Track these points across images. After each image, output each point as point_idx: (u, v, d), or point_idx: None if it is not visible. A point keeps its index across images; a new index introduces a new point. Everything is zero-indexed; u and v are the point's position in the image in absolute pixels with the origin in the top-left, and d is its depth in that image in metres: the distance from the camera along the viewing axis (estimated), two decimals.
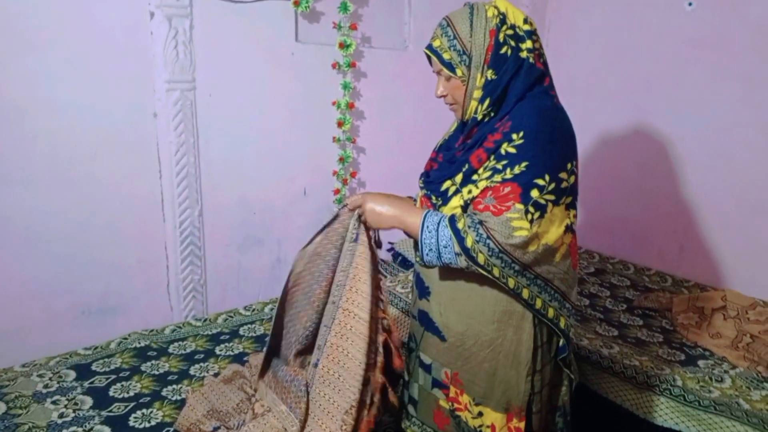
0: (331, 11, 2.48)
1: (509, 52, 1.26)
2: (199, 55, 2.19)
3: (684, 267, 2.82)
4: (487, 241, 1.19)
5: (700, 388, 1.87)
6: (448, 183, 1.32)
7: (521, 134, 1.21)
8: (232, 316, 2.34)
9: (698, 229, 2.79)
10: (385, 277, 2.69)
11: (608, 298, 2.61)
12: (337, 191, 2.66)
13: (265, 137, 2.46)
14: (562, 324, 1.32)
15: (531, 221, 1.19)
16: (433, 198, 1.35)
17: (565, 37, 3.22)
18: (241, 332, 2.23)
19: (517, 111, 1.25)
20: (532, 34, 1.29)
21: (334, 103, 2.57)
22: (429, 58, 1.35)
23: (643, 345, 2.18)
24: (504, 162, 1.21)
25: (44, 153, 1.97)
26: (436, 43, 1.31)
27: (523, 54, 1.27)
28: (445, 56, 1.29)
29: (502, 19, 1.27)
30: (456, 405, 1.40)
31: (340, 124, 2.58)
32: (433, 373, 1.44)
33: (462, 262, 1.23)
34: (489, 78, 1.27)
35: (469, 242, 1.21)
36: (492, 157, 1.24)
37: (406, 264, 2.78)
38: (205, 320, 2.30)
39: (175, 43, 2.10)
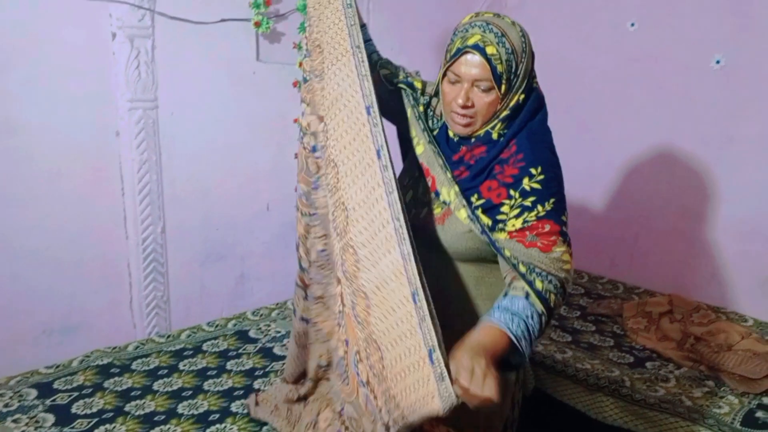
0: (290, 31, 2.55)
1: (535, 81, 1.28)
2: (162, 74, 2.23)
3: (634, 274, 2.96)
4: (551, 277, 1.17)
5: (647, 388, 1.97)
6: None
7: (540, 169, 1.21)
8: (195, 332, 2.36)
9: (647, 238, 2.93)
10: None
11: (563, 305, 2.71)
12: None
13: (227, 154, 2.50)
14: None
15: (570, 254, 1.21)
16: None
17: None
18: (204, 348, 2.25)
19: (524, 141, 1.23)
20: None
21: (295, 121, 2.63)
22: (455, 56, 1.21)
23: (594, 349, 2.28)
24: (532, 198, 1.19)
25: (5, 172, 1.98)
26: (490, 50, 1.18)
27: (536, 81, 1.29)
28: (499, 68, 1.19)
29: (527, 39, 1.24)
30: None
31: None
32: None
33: (543, 318, 1.17)
34: (519, 102, 1.25)
35: (540, 286, 1.16)
36: (516, 194, 1.21)
37: None
38: (169, 336, 2.31)
39: (137, 63, 2.14)
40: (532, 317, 1.14)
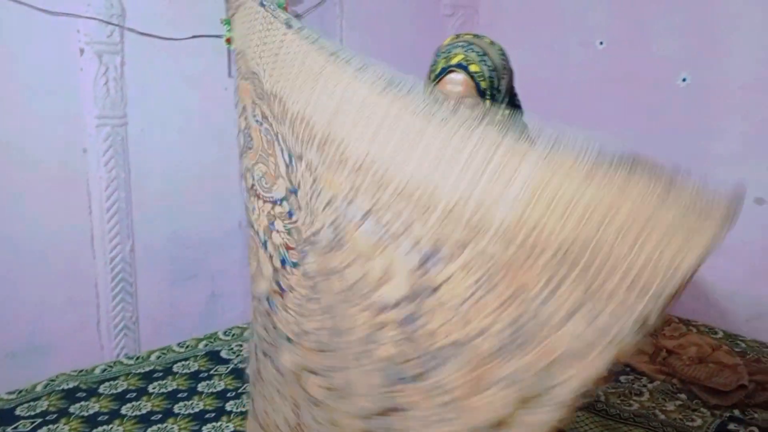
0: None
1: (514, 92, 1.34)
2: (131, 91, 2.20)
3: None
4: None
5: (621, 402, 1.99)
6: None
7: None
8: (165, 353, 2.31)
9: None
10: None
11: None
12: None
13: (198, 171, 2.46)
14: None
15: None
16: None
17: None
18: (174, 369, 2.20)
19: None
20: None
21: None
22: (440, 75, 1.25)
23: None
24: None
25: None
26: (473, 68, 1.23)
27: (516, 96, 1.36)
28: (482, 84, 1.24)
29: (507, 58, 1.29)
30: None
31: None
32: None
33: None
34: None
35: None
36: None
37: None
38: (138, 358, 2.26)
39: (106, 79, 2.11)
40: None
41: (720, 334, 2.51)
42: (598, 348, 0.83)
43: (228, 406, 1.97)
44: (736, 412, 1.92)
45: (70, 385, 2.03)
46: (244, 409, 1.95)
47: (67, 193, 2.12)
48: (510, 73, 1.30)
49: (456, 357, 0.96)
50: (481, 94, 1.24)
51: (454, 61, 1.24)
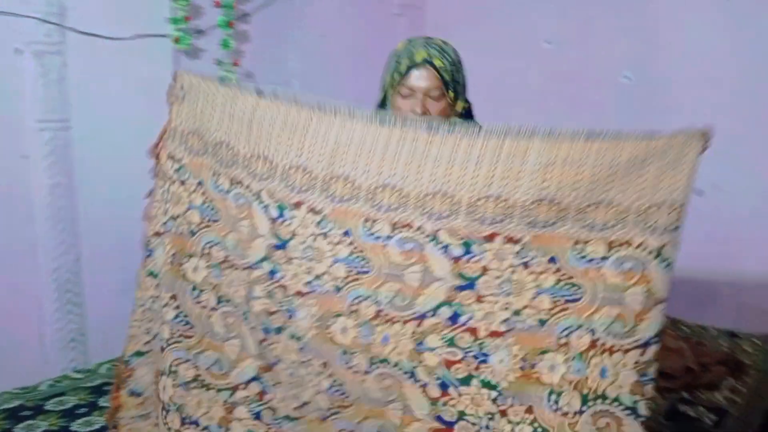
0: (212, 48, 2.48)
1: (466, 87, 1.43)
2: (73, 93, 2.11)
3: None
4: None
5: None
6: None
7: None
8: (117, 365, 2.22)
9: None
10: None
11: None
12: None
13: (144, 176, 2.36)
14: None
15: None
16: None
17: None
18: None
19: None
20: None
21: None
22: (406, 73, 1.33)
23: None
24: None
25: None
26: (437, 63, 1.34)
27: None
28: (446, 77, 1.34)
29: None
30: None
31: None
32: None
33: None
34: (464, 108, 1.42)
35: None
36: None
37: None
38: (87, 372, 2.17)
39: (46, 81, 2.02)
40: None
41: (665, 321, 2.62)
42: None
43: None
44: (685, 394, 2.01)
45: (14, 404, 1.94)
46: None
47: (6, 201, 2.02)
48: (464, 69, 1.42)
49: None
50: (446, 86, 1.35)
51: (419, 59, 1.34)
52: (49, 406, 1.95)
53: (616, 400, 1.06)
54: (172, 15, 2.30)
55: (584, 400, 1.05)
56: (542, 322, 1.08)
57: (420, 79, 1.34)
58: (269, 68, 2.77)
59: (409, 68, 1.34)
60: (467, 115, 1.43)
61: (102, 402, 1.97)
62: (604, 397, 1.06)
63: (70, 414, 1.91)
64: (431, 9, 3.40)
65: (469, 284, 1.11)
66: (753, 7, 2.40)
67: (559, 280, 1.07)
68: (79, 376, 2.14)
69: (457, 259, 1.11)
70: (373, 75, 3.22)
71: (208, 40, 2.48)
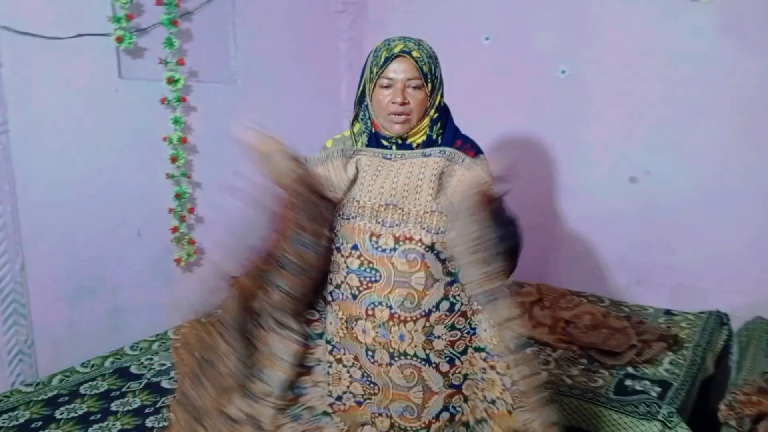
0: (154, 46, 2.42)
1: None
2: (11, 95, 2.03)
3: None
4: None
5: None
6: None
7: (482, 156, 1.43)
8: (68, 376, 2.16)
9: None
10: None
11: None
12: (175, 229, 2.58)
13: (91, 179, 2.31)
14: None
15: None
16: None
17: None
18: (81, 391, 2.06)
19: (463, 136, 1.46)
20: None
21: (165, 139, 2.50)
22: (384, 65, 1.35)
23: None
24: None
25: None
26: (415, 54, 1.36)
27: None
28: (424, 68, 1.36)
29: None
30: None
31: (173, 160, 2.51)
32: None
33: None
34: (442, 102, 1.43)
35: None
36: None
37: None
38: (38, 384, 2.09)
39: None
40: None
41: (607, 302, 2.77)
42: None
43: (148, 423, 1.89)
44: (630, 369, 2.13)
45: None
46: (165, 424, 1.87)
47: None
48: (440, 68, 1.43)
49: None
50: (424, 77, 1.36)
51: (397, 50, 1.36)
52: (1, 422, 1.87)
53: (415, 356, 1.33)
54: (114, 14, 2.24)
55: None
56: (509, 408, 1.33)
57: (399, 69, 1.36)
58: (213, 67, 2.73)
59: (387, 59, 1.36)
60: (445, 111, 1.45)
61: (58, 414, 1.91)
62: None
63: (25, 429, 1.84)
64: (372, 6, 3.43)
65: (455, 279, 1.33)
66: (676, 3, 2.55)
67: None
68: (29, 389, 2.05)
69: (444, 262, 1.32)
70: (316, 71, 3.26)
71: (150, 38, 2.42)
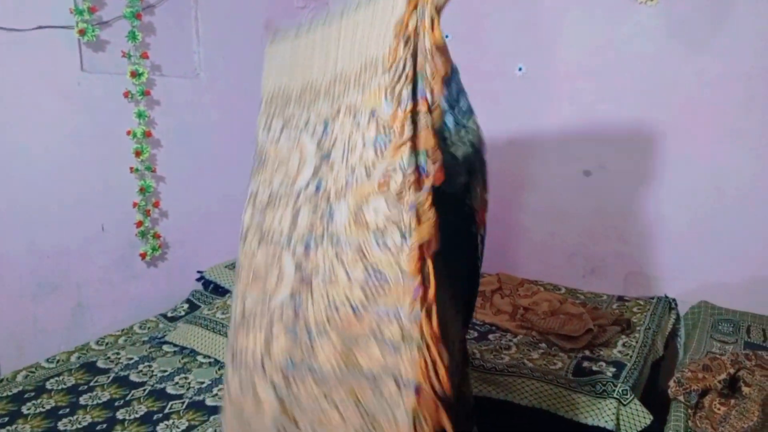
0: (117, 40, 2.41)
1: None
2: None
3: None
4: None
5: (494, 357, 2.23)
6: None
7: None
8: (33, 371, 2.13)
9: None
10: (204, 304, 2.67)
11: None
12: (139, 223, 2.56)
13: (53, 174, 2.28)
14: None
15: None
16: None
17: None
18: (48, 386, 2.04)
19: None
20: None
21: (129, 133, 2.48)
22: None
23: None
24: None
25: None
26: None
27: None
28: None
29: None
30: None
31: (138, 154, 2.50)
32: None
33: None
34: None
35: None
36: None
37: (218, 291, 2.78)
38: (1, 380, 2.06)
39: None
40: None
41: (563, 290, 2.89)
42: None
43: (119, 415, 1.89)
44: (587, 352, 2.25)
45: None
46: (137, 416, 1.88)
47: None
48: None
49: None
50: None
51: None
52: None
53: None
54: (76, 5, 2.21)
55: (402, 236, 1.11)
56: (368, 172, 1.15)
57: None
58: (176, 60, 2.72)
59: None
60: None
61: (25, 410, 1.89)
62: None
63: None
64: (333, 2, 3.46)
65: (326, 155, 1.25)
66: (625, 5, 2.68)
67: (378, 131, 1.16)
68: None
69: (319, 140, 1.28)
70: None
71: (113, 31, 2.40)
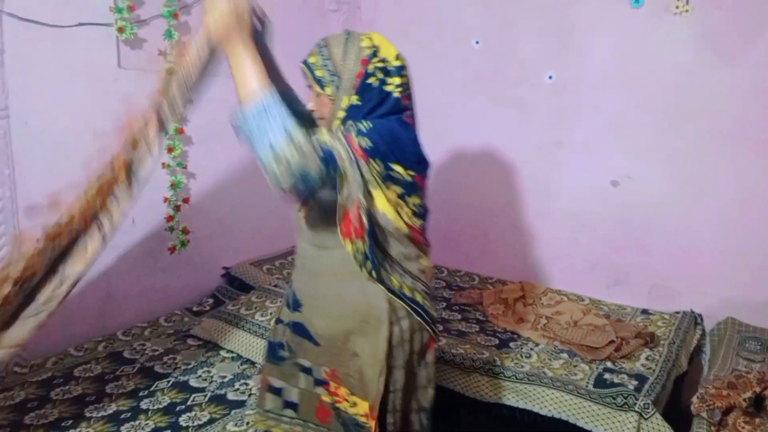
0: (153, 38, 2.46)
1: (376, 83, 1.40)
2: (12, 80, 2.04)
3: (487, 266, 3.28)
4: None
5: (514, 365, 2.22)
6: None
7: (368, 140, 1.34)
8: (62, 359, 2.19)
9: (495, 234, 3.26)
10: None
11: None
12: (170, 218, 2.62)
13: (89, 167, 2.34)
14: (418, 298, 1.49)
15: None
16: None
17: None
18: (76, 374, 2.10)
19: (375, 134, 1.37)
20: (401, 69, 1.44)
21: None
22: (304, 72, 1.44)
23: (463, 335, 2.50)
24: None
25: None
26: (311, 59, 1.42)
27: (389, 87, 1.41)
28: (318, 73, 1.40)
29: (375, 51, 1.40)
30: (336, 398, 1.52)
31: (170, 150, 2.55)
32: (314, 374, 1.55)
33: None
34: (353, 102, 1.40)
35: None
36: None
37: (243, 287, 2.81)
38: (32, 366, 2.12)
39: None
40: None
41: (587, 301, 2.87)
42: None
43: (143, 405, 1.93)
44: (609, 364, 2.23)
45: None
46: (161, 406, 1.92)
47: None
48: (358, 63, 1.39)
49: None
50: (320, 82, 1.41)
51: (304, 59, 1.45)
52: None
53: None
54: (116, 4, 2.27)
55: None
56: None
57: (305, 77, 1.45)
58: None
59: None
60: (353, 111, 1.40)
61: (53, 395, 1.95)
62: None
63: (21, 408, 1.87)
64: (365, 6, 3.49)
65: None
66: (657, 15, 2.66)
67: None
68: (24, 371, 2.07)
69: None
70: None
71: (150, 29, 2.45)
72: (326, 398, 1.54)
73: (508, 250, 3.23)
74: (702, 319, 2.68)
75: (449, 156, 3.30)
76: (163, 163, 2.57)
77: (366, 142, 1.33)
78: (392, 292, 1.44)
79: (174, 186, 2.60)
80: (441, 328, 2.51)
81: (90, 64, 2.28)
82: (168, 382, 2.08)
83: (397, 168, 1.38)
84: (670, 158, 2.72)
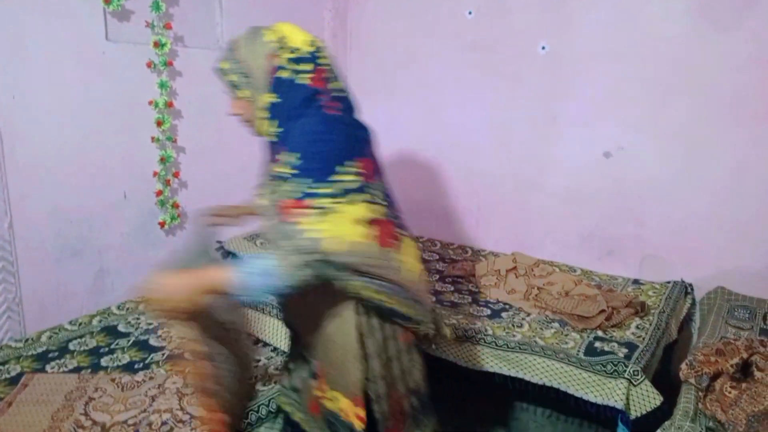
0: (141, 10, 2.42)
1: (288, 75, 1.33)
2: None
3: (480, 238, 3.29)
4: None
5: (506, 334, 2.25)
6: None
7: (298, 156, 1.27)
8: (57, 333, 2.20)
9: (488, 206, 3.27)
10: None
11: (422, 271, 2.93)
12: (159, 192, 2.61)
13: (77, 140, 2.32)
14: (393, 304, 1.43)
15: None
16: None
17: (367, 41, 3.51)
18: (71, 347, 2.11)
19: (290, 133, 1.33)
20: (315, 53, 1.37)
21: (151, 103, 2.51)
22: (219, 78, 1.41)
23: (456, 306, 2.52)
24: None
25: None
26: (222, 65, 1.38)
27: (302, 76, 1.34)
28: (230, 77, 1.37)
29: (281, 43, 1.35)
30: (320, 393, 1.49)
31: (159, 124, 2.53)
32: (311, 366, 1.54)
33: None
34: (272, 100, 1.35)
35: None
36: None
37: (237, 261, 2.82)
38: (27, 340, 2.13)
39: None
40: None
41: (578, 271, 2.89)
42: None
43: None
44: (599, 333, 2.25)
45: None
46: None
47: None
48: (270, 59, 1.34)
49: None
50: (233, 87, 1.39)
51: (217, 65, 1.42)
52: None
53: None
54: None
55: None
56: None
57: (222, 83, 1.42)
58: (199, 32, 2.74)
59: None
60: (275, 109, 1.36)
61: (49, 368, 1.96)
62: None
63: (17, 381, 1.88)
64: None
65: None
66: None
67: None
68: (19, 344, 2.09)
69: None
70: None
71: (138, 2, 2.42)
72: (316, 392, 1.52)
73: (501, 223, 3.24)
74: (692, 289, 2.70)
75: (441, 128, 3.28)
76: (152, 137, 2.55)
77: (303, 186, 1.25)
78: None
79: (163, 160, 2.59)
80: (433, 325, 2.52)
81: (77, 37, 2.25)
82: (163, 354, 2.09)
83: (345, 170, 1.29)
84: (664, 130, 2.71)
